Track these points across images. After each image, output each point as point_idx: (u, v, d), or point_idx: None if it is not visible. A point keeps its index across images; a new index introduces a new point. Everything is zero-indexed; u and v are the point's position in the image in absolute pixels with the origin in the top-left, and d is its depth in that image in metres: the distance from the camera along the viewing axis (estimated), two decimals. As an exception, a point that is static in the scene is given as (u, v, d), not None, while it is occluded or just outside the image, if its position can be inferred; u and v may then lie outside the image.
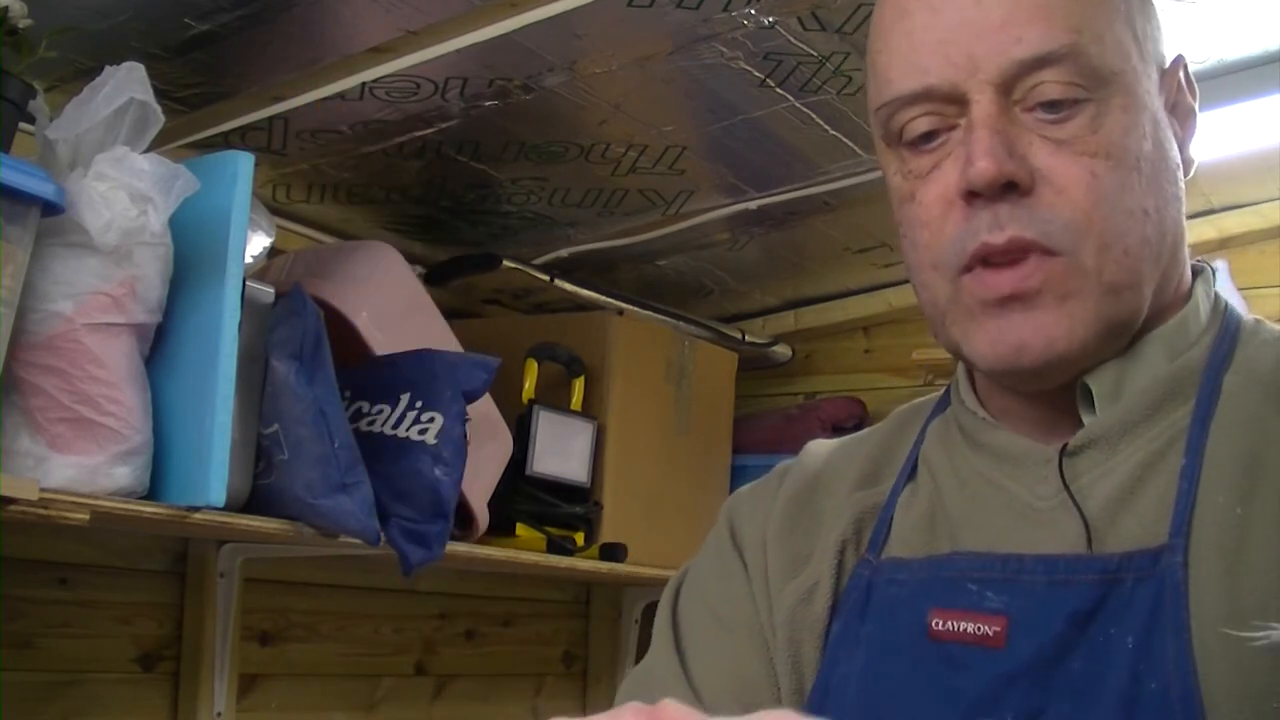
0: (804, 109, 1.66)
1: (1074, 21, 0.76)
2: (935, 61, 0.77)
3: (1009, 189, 0.75)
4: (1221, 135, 1.86)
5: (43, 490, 1.18)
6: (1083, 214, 0.75)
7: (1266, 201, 2.14)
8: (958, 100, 0.77)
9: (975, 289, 0.77)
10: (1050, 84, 0.75)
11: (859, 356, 2.58)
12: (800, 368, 2.62)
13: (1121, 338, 0.79)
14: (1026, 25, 0.75)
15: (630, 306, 2.23)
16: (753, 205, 1.97)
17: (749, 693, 0.86)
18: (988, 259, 0.76)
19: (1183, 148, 0.83)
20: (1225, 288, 2.20)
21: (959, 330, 0.79)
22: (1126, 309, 0.77)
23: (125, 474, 1.28)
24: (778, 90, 1.61)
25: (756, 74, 1.56)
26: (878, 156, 0.84)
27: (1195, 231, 2.21)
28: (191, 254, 1.35)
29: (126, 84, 1.25)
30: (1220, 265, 2.10)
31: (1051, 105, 0.76)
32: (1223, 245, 2.21)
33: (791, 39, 1.48)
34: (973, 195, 0.76)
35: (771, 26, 1.45)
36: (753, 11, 1.42)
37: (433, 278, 2.06)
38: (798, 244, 2.20)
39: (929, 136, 0.79)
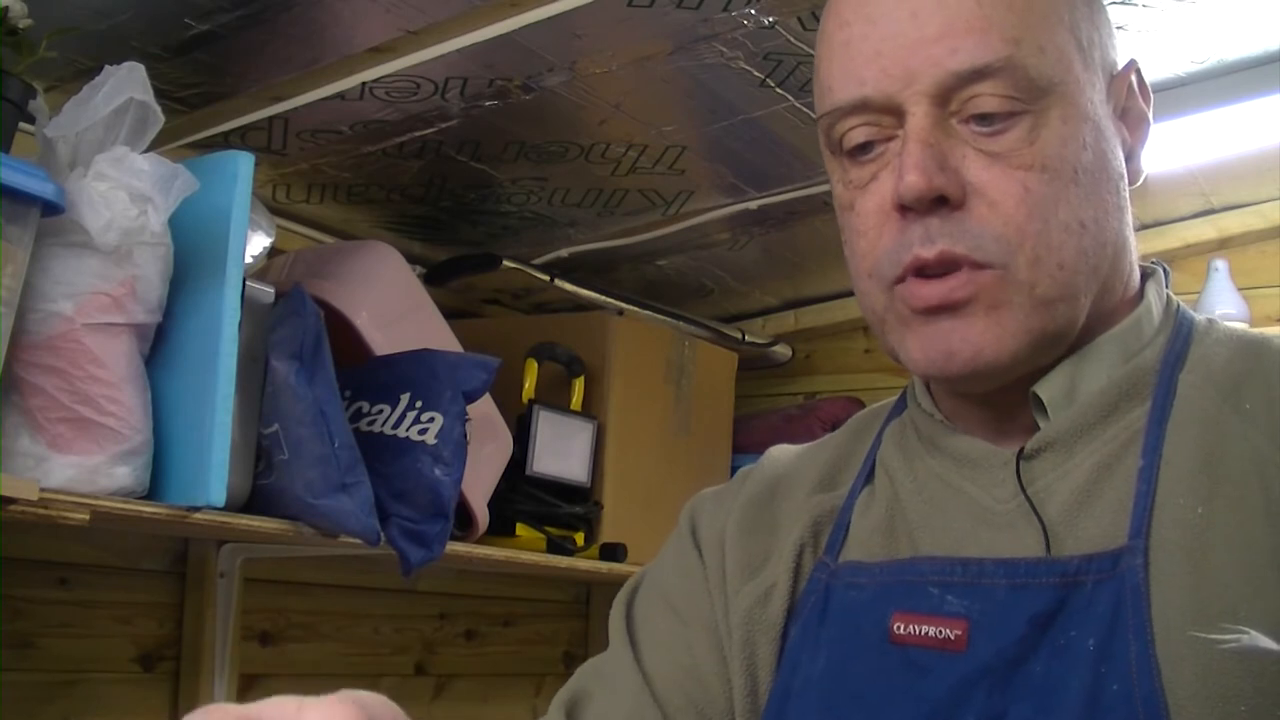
0: (804, 109, 1.66)
1: (1013, 33, 0.75)
2: (871, 73, 0.77)
3: (940, 203, 0.75)
4: (1221, 135, 1.86)
5: (43, 490, 1.18)
6: (1014, 228, 0.75)
7: (1266, 201, 2.14)
8: (894, 111, 0.77)
9: (907, 297, 0.77)
10: (986, 96, 0.75)
11: (859, 356, 2.58)
12: (800, 368, 2.63)
13: (1056, 348, 0.79)
14: (963, 37, 0.75)
15: (630, 306, 2.23)
16: (753, 205, 1.97)
17: (701, 688, 0.87)
18: (920, 271, 0.76)
19: (1132, 155, 0.83)
20: (1224, 288, 2.21)
21: (895, 337, 0.80)
22: (1061, 321, 0.77)
23: (125, 474, 1.28)
24: (778, 90, 1.61)
25: (756, 74, 1.56)
26: (825, 165, 0.85)
27: (1195, 231, 2.21)
28: (191, 254, 1.35)
29: (126, 84, 1.25)
30: (1220, 265, 2.11)
31: (986, 118, 0.75)
32: (1223, 245, 2.21)
33: (791, 39, 1.48)
34: (905, 208, 0.76)
35: (771, 26, 1.45)
36: (753, 11, 1.42)
37: (433, 278, 2.06)
38: (798, 244, 2.20)
39: (867, 147, 0.79)
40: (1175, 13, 1.53)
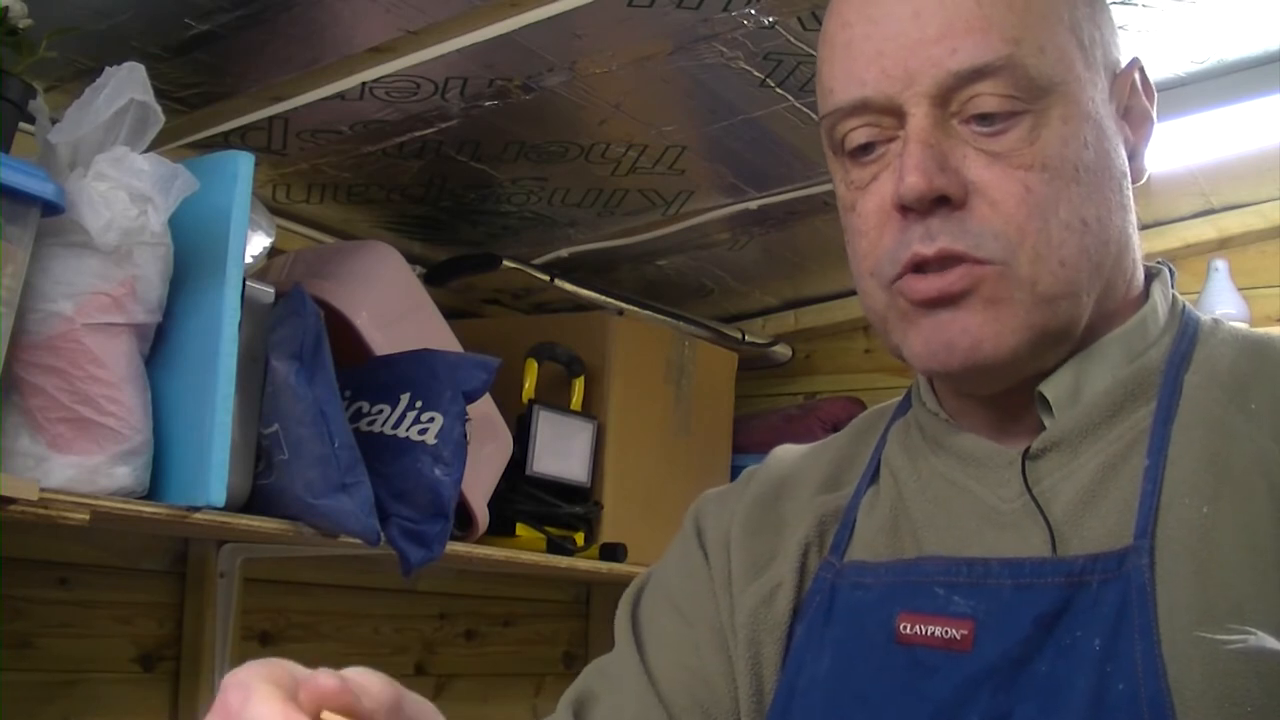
0: (804, 109, 1.66)
1: (1013, 33, 0.75)
2: (872, 73, 0.77)
3: (941, 202, 0.75)
4: (1221, 135, 1.86)
5: (43, 490, 1.18)
6: (1015, 227, 0.75)
7: (1266, 201, 2.14)
8: (895, 112, 0.77)
9: (905, 291, 0.78)
10: (986, 96, 0.75)
11: (859, 356, 2.58)
12: (800, 368, 2.63)
13: (1059, 346, 0.79)
14: (963, 37, 0.75)
15: (630, 306, 2.23)
16: (753, 205, 1.97)
17: (706, 688, 0.87)
18: (919, 268, 0.77)
19: (1135, 153, 0.83)
20: (1224, 288, 2.21)
21: (898, 334, 0.80)
22: (1063, 318, 0.77)
23: (125, 474, 1.28)
24: (778, 90, 1.61)
25: (756, 74, 1.56)
26: (828, 165, 0.85)
27: (1195, 231, 2.21)
28: (191, 254, 1.35)
29: (127, 84, 1.25)
30: (1220, 265, 2.11)
31: (987, 118, 0.76)
32: (1223, 245, 2.21)
33: (791, 39, 1.48)
34: (906, 209, 0.76)
35: (771, 26, 1.45)
36: (753, 11, 1.42)
37: (433, 278, 2.06)
38: (798, 244, 2.20)
39: (869, 148, 0.79)
40: (1175, 13, 1.53)
